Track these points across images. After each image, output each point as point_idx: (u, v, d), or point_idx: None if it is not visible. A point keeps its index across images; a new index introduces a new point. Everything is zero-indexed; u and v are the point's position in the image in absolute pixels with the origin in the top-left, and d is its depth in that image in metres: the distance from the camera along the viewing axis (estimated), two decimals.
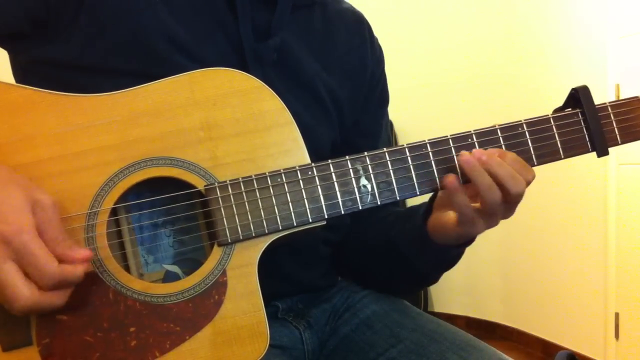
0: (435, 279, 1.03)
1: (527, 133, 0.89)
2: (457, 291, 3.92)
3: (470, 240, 0.92)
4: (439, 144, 0.87)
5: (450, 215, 0.87)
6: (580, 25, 3.19)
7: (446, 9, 3.87)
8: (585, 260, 3.18)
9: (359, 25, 1.12)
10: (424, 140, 0.87)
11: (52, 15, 0.87)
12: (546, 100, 3.24)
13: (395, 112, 1.18)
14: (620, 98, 2.75)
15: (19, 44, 0.91)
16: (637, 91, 0.97)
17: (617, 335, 3.00)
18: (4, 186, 0.71)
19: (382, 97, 1.14)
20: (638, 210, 2.87)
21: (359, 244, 1.08)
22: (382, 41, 1.16)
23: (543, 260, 3.43)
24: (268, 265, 0.82)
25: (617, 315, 3.00)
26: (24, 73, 0.94)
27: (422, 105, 3.81)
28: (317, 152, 0.87)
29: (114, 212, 0.81)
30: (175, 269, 0.87)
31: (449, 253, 0.95)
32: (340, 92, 1.04)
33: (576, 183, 3.08)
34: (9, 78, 0.87)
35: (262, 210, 0.82)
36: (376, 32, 1.15)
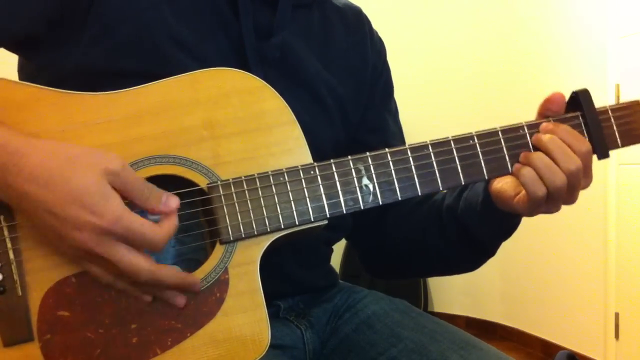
0: (493, 250, 1.03)
1: (528, 135, 0.90)
2: (457, 291, 3.92)
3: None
4: (440, 144, 0.88)
5: (510, 193, 0.90)
6: (580, 25, 3.19)
7: (446, 9, 3.87)
8: (585, 260, 3.18)
9: (358, 21, 1.12)
10: (426, 142, 0.87)
11: (66, 16, 0.87)
12: None
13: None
14: (621, 98, 2.74)
15: (32, 48, 0.91)
16: (637, 91, 0.97)
17: (617, 335, 3.01)
18: (73, 171, 0.73)
19: (386, 88, 1.14)
20: (638, 210, 2.88)
21: (406, 230, 1.08)
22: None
23: (543, 260, 3.43)
24: (270, 265, 0.83)
25: (617, 315, 3.00)
26: (32, 81, 0.93)
27: (421, 105, 3.82)
28: (317, 151, 0.87)
29: None
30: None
31: (511, 220, 0.96)
32: (342, 90, 1.04)
33: None
34: (11, 77, 0.87)
35: (264, 209, 0.82)
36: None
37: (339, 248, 1.18)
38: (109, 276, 0.76)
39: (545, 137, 0.88)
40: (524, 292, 3.62)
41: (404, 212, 1.07)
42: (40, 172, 0.72)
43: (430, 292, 3.98)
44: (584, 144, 0.88)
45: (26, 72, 0.96)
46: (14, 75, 0.95)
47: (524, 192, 0.88)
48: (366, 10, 1.14)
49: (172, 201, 0.77)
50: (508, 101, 3.54)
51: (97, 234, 0.71)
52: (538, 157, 0.87)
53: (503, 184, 0.91)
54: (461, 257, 1.05)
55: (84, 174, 0.72)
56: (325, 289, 1.10)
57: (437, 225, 1.03)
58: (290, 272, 1.01)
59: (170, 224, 0.76)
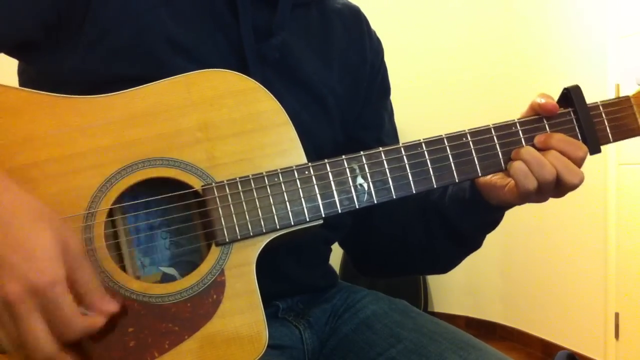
0: (479, 243, 1.04)
1: (520, 132, 0.91)
2: (457, 291, 3.92)
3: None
4: (434, 143, 0.89)
5: (500, 184, 0.92)
6: (580, 25, 3.19)
7: (446, 9, 3.87)
8: (585, 260, 3.18)
9: (357, 19, 1.12)
10: (419, 140, 0.88)
11: (62, 20, 0.87)
12: None
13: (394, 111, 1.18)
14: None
15: (31, 53, 0.91)
16: None
17: (617, 335, 3.00)
18: (34, 224, 0.68)
19: (382, 86, 1.14)
20: (638, 210, 2.87)
21: (392, 227, 1.08)
22: (381, 41, 1.16)
23: (543, 260, 3.43)
24: (269, 266, 0.83)
25: (617, 315, 3.00)
26: (33, 85, 0.93)
27: (421, 105, 3.81)
28: (316, 151, 0.87)
29: (111, 213, 0.81)
30: (172, 271, 0.87)
31: (497, 212, 0.98)
32: (340, 88, 1.04)
33: None
34: (9, 81, 0.87)
35: (259, 210, 0.82)
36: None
37: (338, 248, 1.18)
38: (8, 342, 0.68)
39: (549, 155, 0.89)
40: (524, 292, 3.62)
41: (388, 210, 1.07)
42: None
43: (430, 292, 3.97)
44: (580, 149, 0.90)
45: (27, 76, 0.96)
46: (14, 79, 0.95)
47: (512, 182, 0.90)
48: (364, 10, 1.15)
49: (112, 305, 0.72)
50: (508, 101, 3.53)
51: (27, 290, 0.65)
52: (527, 152, 0.89)
53: (492, 176, 0.93)
54: (445, 251, 1.06)
55: (41, 231, 0.68)
56: (324, 289, 1.10)
57: (420, 221, 1.04)
58: (289, 272, 1.01)
59: (96, 321, 0.71)
